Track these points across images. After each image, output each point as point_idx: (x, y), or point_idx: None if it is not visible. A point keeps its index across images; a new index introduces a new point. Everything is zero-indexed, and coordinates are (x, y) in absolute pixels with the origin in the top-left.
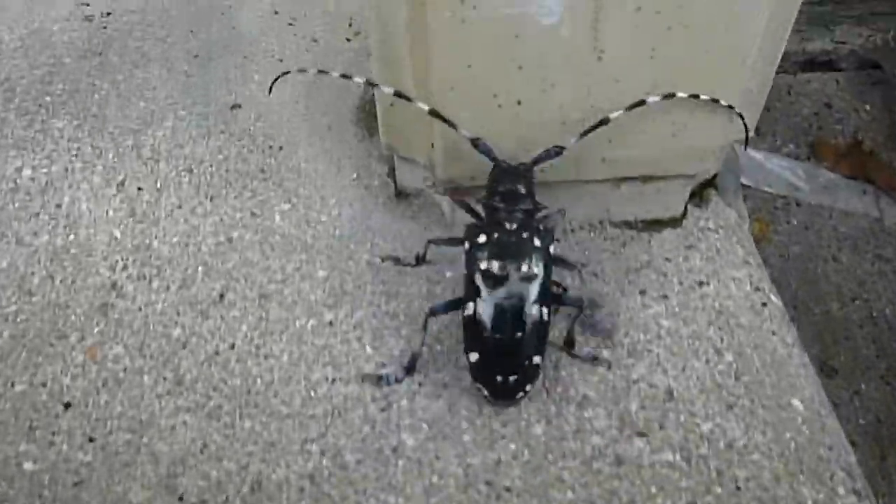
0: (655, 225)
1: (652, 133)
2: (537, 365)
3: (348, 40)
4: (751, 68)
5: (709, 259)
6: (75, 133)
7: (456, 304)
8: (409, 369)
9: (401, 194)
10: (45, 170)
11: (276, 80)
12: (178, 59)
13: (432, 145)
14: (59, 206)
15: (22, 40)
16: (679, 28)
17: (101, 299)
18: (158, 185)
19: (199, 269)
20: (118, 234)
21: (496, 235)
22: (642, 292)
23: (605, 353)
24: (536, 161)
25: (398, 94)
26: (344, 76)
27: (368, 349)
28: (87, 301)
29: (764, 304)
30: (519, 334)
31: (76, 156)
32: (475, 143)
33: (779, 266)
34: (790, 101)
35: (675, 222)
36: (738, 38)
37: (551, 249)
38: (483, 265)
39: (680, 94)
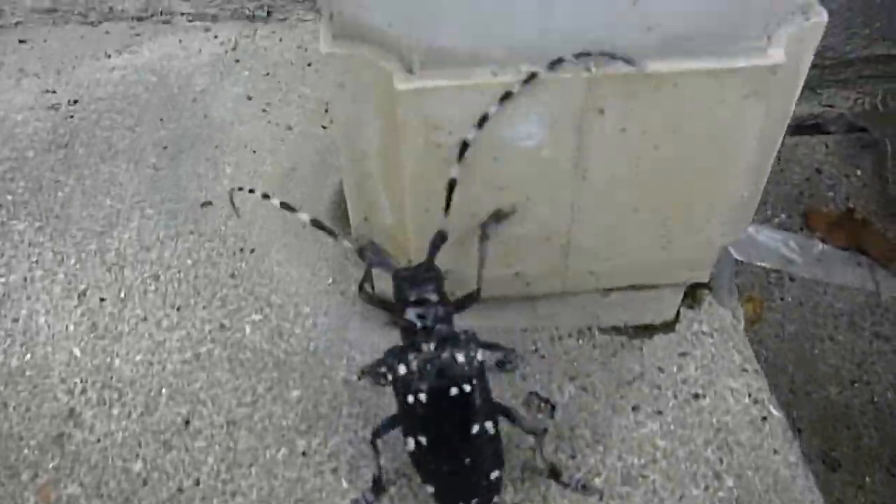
0: (647, 330)
1: (641, 246)
2: (498, 478)
3: (324, 127)
4: (742, 179)
5: (704, 367)
6: (36, 237)
7: (395, 422)
8: (377, 490)
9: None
10: (2, 279)
11: (231, 197)
12: (147, 150)
13: (409, 262)
14: (15, 320)
15: None
16: (667, 146)
17: (58, 429)
18: (122, 295)
19: (164, 391)
20: (78, 353)
21: (415, 364)
22: (635, 408)
23: (597, 482)
24: (432, 255)
25: (315, 223)
26: (284, 206)
27: (344, 483)
28: (42, 431)
29: (764, 419)
30: (467, 460)
31: (36, 262)
32: (361, 254)
33: (774, 347)
34: (780, 169)
35: (667, 327)
36: (727, 152)
37: (478, 356)
38: (410, 399)
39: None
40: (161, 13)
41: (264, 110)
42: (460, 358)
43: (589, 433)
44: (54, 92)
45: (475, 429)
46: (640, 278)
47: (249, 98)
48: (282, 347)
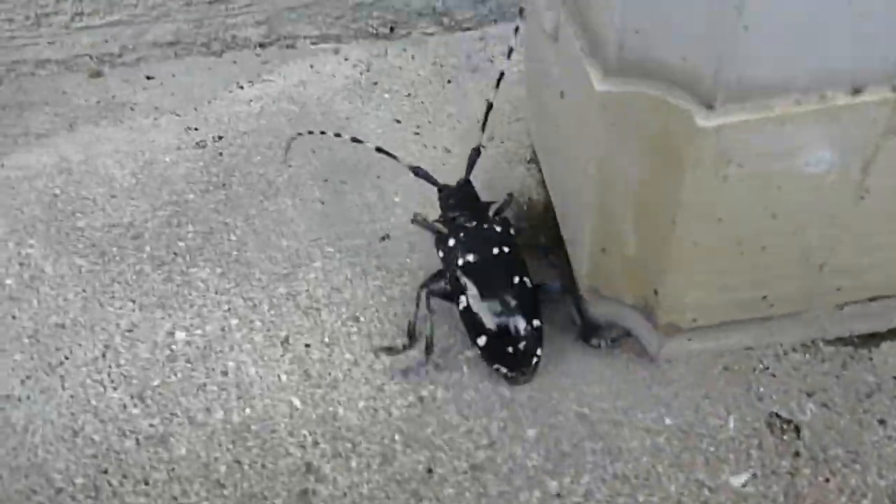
0: (873, 338)
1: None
2: (539, 328)
3: (484, 147)
4: None
5: None
6: (221, 283)
7: (439, 276)
8: (428, 350)
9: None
10: (199, 331)
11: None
12: (307, 184)
13: (655, 291)
14: (224, 373)
15: (135, 176)
16: None
17: (300, 485)
18: (326, 339)
19: (397, 437)
20: (298, 403)
21: (462, 235)
22: (882, 422)
23: None
24: (469, 171)
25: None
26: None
27: None
28: (284, 489)
29: None
30: (513, 303)
31: (229, 311)
32: (415, 171)
33: None
34: None
35: (894, 334)
36: None
37: (510, 231)
38: (461, 262)
39: None
40: (284, 37)
41: (416, 133)
42: (498, 228)
43: (842, 452)
44: (196, 129)
45: (516, 279)
46: (887, 290)
47: (398, 122)
48: (504, 384)
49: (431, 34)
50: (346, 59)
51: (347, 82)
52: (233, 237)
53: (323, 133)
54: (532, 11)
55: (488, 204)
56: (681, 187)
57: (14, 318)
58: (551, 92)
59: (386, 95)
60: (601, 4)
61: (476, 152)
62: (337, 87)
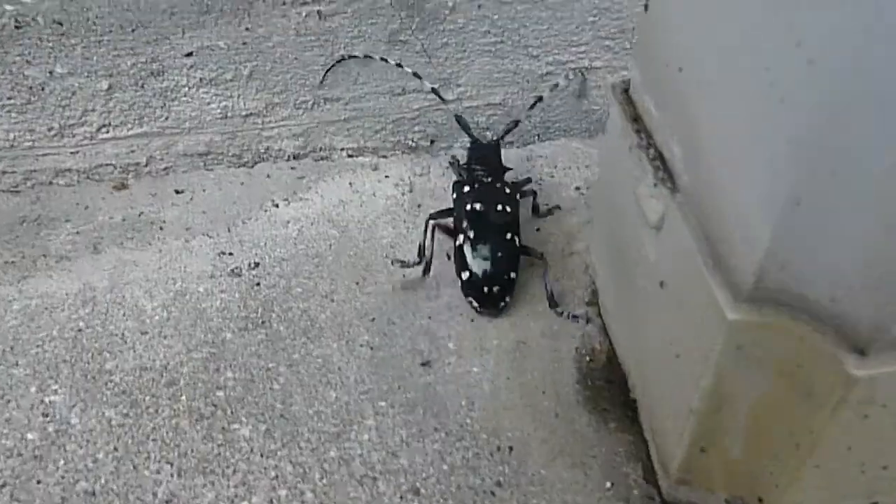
0: None
1: None
2: (513, 279)
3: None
4: None
5: None
6: (266, 444)
7: (448, 212)
8: (426, 269)
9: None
10: (244, 503)
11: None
12: (353, 324)
13: (759, 500)
14: None
15: (167, 309)
16: None
17: None
18: None
19: None
20: None
21: (476, 185)
22: None
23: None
24: (503, 135)
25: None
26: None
27: None
28: None
29: None
30: (499, 254)
31: (277, 478)
32: (459, 119)
33: None
34: None
35: None
36: None
37: (517, 196)
38: (468, 207)
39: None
40: (319, 149)
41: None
42: (507, 190)
43: None
44: (231, 254)
45: (508, 236)
46: None
47: (448, 257)
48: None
49: None
50: (386, 177)
51: (389, 203)
52: (276, 386)
53: (374, 59)
54: (608, 162)
55: (506, 169)
56: (812, 418)
57: (39, 482)
58: (643, 272)
59: None
60: (741, 233)
61: (514, 123)
62: (378, 208)
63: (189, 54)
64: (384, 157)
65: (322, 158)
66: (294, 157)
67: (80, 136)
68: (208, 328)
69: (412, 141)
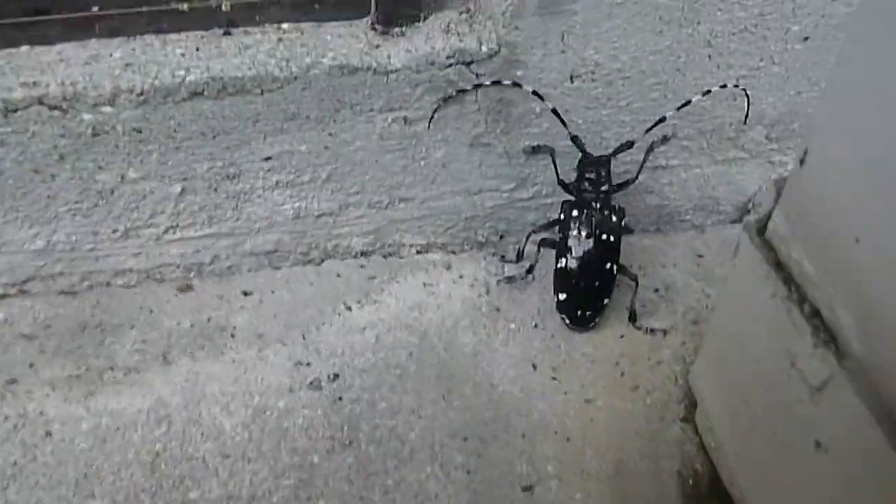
0: None
1: None
2: (606, 304)
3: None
4: None
5: None
6: None
7: (552, 225)
8: (529, 270)
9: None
10: None
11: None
12: (445, 443)
13: None
14: None
15: (247, 428)
16: None
17: None
18: None
19: None
20: None
21: (585, 212)
22: None
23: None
24: (615, 153)
25: None
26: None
27: None
28: None
29: None
30: (597, 283)
31: None
32: (574, 139)
33: None
34: None
35: None
36: None
37: (623, 223)
38: (575, 233)
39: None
40: (388, 245)
41: (554, 378)
42: (613, 218)
43: None
44: (308, 364)
45: (608, 265)
46: None
47: (534, 367)
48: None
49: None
50: (461, 277)
51: (467, 307)
52: None
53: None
54: (736, 295)
55: (616, 188)
56: None
57: None
58: (788, 424)
59: (512, 326)
60: None
61: (629, 144)
62: (456, 313)
63: (268, 158)
64: (453, 252)
65: (390, 254)
66: (362, 254)
67: (146, 237)
68: (293, 450)
69: (482, 236)
